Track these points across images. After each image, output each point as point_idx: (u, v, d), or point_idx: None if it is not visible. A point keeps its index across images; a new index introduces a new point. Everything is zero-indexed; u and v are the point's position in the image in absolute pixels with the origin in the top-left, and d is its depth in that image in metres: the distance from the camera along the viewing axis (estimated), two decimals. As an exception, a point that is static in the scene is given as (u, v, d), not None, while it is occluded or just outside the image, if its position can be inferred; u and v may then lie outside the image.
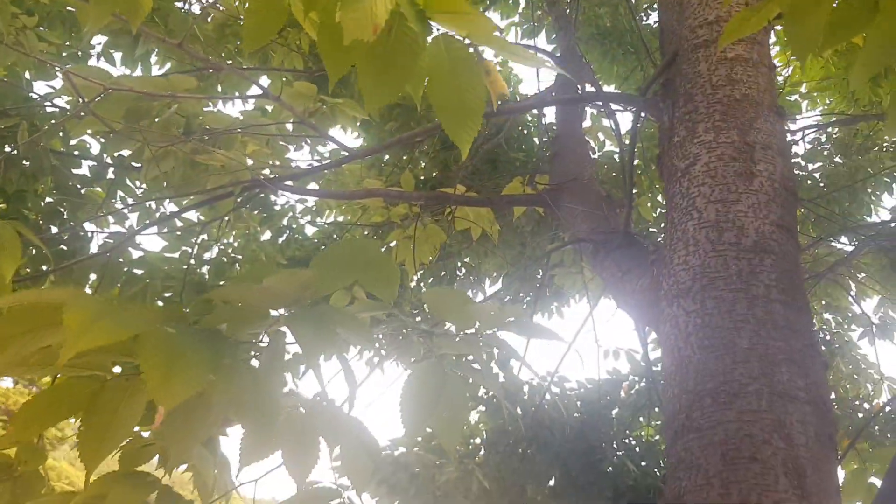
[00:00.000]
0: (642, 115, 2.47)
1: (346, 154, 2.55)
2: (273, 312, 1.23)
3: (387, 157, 6.57)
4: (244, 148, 2.32)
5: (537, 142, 6.20)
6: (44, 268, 3.45)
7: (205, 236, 4.13)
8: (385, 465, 4.57)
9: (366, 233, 6.26)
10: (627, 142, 4.82)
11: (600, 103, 3.90)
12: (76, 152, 4.07)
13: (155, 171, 2.39)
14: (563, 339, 1.30)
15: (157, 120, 2.30)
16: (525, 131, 6.06)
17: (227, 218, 3.98)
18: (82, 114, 2.07)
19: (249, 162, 2.48)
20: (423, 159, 6.29)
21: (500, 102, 1.33)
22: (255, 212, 5.16)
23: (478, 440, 5.59)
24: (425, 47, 1.17)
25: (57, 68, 2.02)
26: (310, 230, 5.73)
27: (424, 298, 1.30)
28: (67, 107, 3.94)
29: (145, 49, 3.62)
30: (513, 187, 3.49)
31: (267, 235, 5.34)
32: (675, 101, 2.01)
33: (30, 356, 1.04)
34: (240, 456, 1.42)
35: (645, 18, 5.72)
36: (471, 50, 1.20)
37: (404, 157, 6.69)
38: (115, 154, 4.16)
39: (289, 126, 2.90)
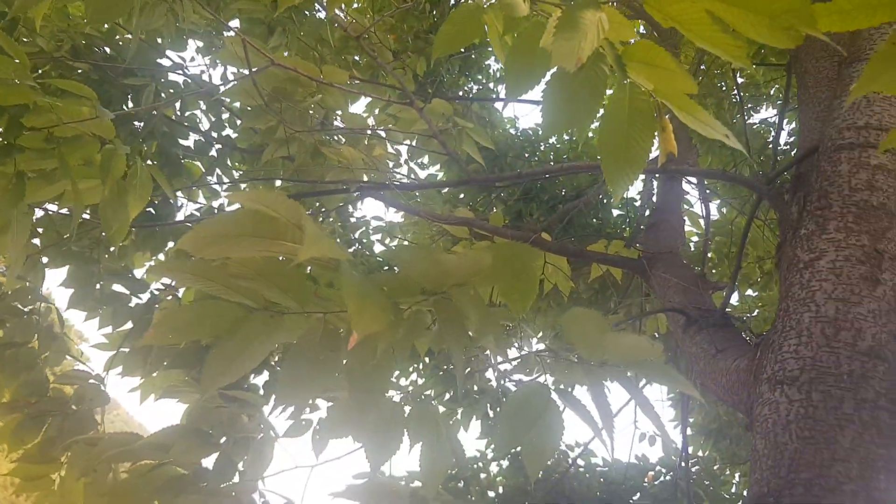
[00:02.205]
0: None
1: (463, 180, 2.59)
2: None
3: (462, 195, 6.66)
4: (371, 150, 2.40)
5: (614, 213, 6.23)
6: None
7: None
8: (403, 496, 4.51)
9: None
10: (701, 224, 4.81)
11: (695, 184, 3.92)
12: (186, 124, 4.24)
13: (280, 153, 2.48)
14: (697, 396, 1.30)
15: (299, 103, 2.39)
16: (605, 200, 6.10)
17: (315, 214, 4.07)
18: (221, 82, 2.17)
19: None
20: (499, 205, 6.35)
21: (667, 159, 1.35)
22: (330, 218, 5.27)
23: (492, 494, 5.50)
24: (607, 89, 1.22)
25: (232, 34, 2.13)
26: (377, 248, 5.80)
27: (565, 318, 1.30)
28: (180, 80, 4.12)
29: (278, 42, 3.78)
30: (596, 248, 3.51)
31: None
32: (807, 194, 2.03)
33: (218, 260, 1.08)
34: (321, 429, 1.42)
35: (749, 117, 5.76)
36: (652, 103, 1.24)
37: (479, 199, 6.78)
38: (223, 133, 4.33)
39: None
